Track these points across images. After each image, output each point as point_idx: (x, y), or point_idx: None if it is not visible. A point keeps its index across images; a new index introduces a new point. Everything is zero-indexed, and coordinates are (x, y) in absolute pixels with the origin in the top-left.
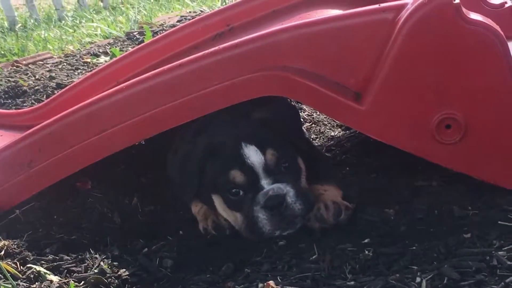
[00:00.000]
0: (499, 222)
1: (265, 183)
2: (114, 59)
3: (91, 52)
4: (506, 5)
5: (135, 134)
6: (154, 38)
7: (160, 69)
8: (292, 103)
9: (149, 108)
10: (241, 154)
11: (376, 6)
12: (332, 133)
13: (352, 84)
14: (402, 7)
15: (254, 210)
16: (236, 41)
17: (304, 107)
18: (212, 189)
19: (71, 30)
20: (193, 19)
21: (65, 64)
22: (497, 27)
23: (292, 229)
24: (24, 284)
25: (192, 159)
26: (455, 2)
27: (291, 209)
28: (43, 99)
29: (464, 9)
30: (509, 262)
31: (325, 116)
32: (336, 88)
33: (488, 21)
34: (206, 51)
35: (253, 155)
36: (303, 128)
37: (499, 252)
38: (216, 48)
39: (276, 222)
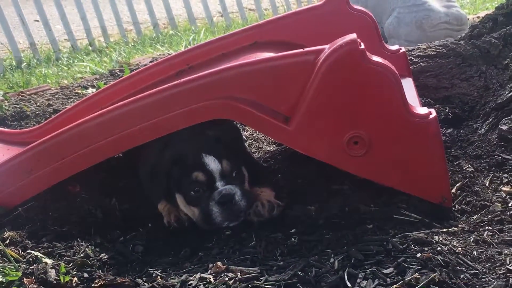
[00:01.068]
0: (394, 216)
1: (219, 184)
2: (99, 89)
3: (81, 85)
4: (401, 51)
5: (115, 148)
6: (130, 74)
7: (134, 98)
8: (237, 124)
9: (126, 127)
10: (202, 162)
11: (301, 50)
12: (268, 148)
13: (282, 110)
14: (320, 51)
15: (209, 205)
16: (193, 76)
17: (247, 128)
18: (176, 190)
19: (66, 68)
20: (161, 59)
21: (60, 94)
22: (393, 67)
23: (237, 221)
24: (25, 266)
25: (161, 167)
26: (361, 47)
27: (237, 205)
28: (42, 121)
29: (368, 53)
30: (401, 246)
31: (263, 135)
32: (270, 113)
33: (386, 63)
34: (170, 84)
35: (212, 163)
36: (245, 144)
37: (394, 239)
38: (178, 81)
39: (226, 215)
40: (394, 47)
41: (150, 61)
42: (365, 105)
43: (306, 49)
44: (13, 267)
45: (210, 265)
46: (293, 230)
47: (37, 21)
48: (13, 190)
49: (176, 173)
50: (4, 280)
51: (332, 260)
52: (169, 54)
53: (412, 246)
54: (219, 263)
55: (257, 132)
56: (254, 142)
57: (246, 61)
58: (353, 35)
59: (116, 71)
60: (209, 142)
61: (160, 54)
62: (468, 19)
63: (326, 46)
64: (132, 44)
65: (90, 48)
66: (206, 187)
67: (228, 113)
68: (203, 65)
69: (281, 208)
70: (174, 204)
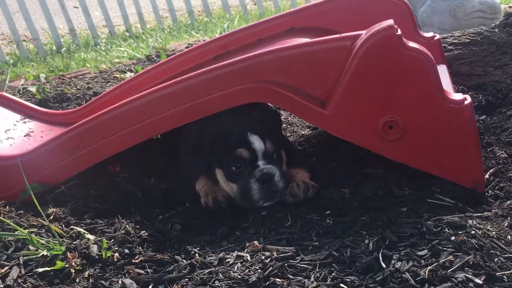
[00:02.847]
0: (428, 200)
1: (261, 163)
2: (137, 73)
3: (119, 70)
4: (435, 38)
5: (154, 130)
6: (168, 58)
7: (174, 80)
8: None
9: (165, 109)
10: (247, 139)
11: (338, 35)
12: (303, 132)
13: (319, 94)
14: (357, 36)
15: (250, 182)
16: (231, 60)
17: (282, 111)
18: (217, 165)
19: (104, 53)
20: (198, 44)
21: (99, 78)
22: (429, 53)
23: (273, 200)
24: (68, 241)
25: (203, 142)
26: (398, 33)
27: (276, 185)
28: (82, 103)
29: (404, 39)
30: (435, 229)
31: (298, 119)
32: (306, 97)
33: (422, 48)
34: (209, 67)
35: (257, 142)
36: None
37: (428, 222)
38: (217, 65)
39: (264, 193)
40: (429, 34)
41: (186, 47)
42: (401, 90)
43: (343, 35)
44: (57, 242)
45: (247, 244)
46: (327, 212)
47: (77, 7)
48: (56, 169)
49: (219, 148)
50: (49, 254)
51: (366, 241)
52: (204, 40)
53: (446, 229)
54: (255, 242)
55: (292, 116)
56: (289, 126)
57: (284, 46)
58: (390, 21)
59: (153, 56)
60: (253, 122)
61: (195, 40)
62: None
63: (363, 32)
64: (168, 30)
65: (127, 34)
66: (249, 164)
67: (265, 96)
68: (240, 50)
69: (316, 189)
70: (213, 180)
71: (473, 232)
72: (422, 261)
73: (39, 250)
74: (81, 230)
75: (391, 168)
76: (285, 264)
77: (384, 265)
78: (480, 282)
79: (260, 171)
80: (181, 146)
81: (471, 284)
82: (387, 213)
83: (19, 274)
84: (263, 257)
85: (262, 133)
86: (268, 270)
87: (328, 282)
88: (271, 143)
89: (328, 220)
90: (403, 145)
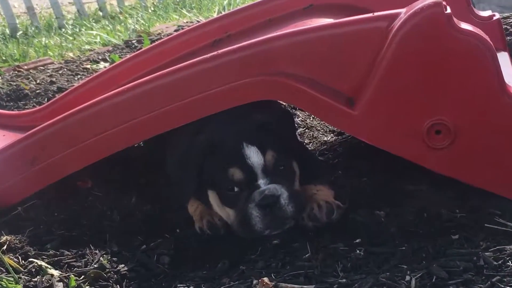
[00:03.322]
0: (485, 225)
1: (261, 182)
2: (114, 63)
3: (91, 59)
4: (494, 18)
5: (135, 135)
6: (154, 44)
7: (160, 72)
8: (287, 108)
9: (148, 110)
10: (242, 153)
11: (370, 14)
12: (325, 138)
13: (345, 90)
14: (395, 16)
15: (248, 207)
16: (234, 46)
17: (298, 112)
18: (209, 185)
19: (71, 38)
20: (191, 27)
21: (65, 69)
22: (487, 37)
23: (280, 229)
24: (26, 277)
25: (191, 156)
26: (447, 12)
27: (283, 210)
28: (44, 101)
29: (455, 19)
30: (495, 263)
31: (318, 122)
32: (330, 93)
33: (479, 31)
34: (206, 56)
35: (254, 155)
36: (297, 133)
37: (486, 253)
38: (215, 53)
39: (268, 221)
40: (486, 13)
41: (175, 30)
42: (451, 85)
43: (376, 14)
44: (12, 279)
45: (254, 282)
46: (357, 240)
47: None
48: (11, 185)
49: (209, 165)
50: None
51: (408, 278)
52: (198, 21)
53: (510, 263)
54: (265, 279)
55: (311, 118)
56: (307, 130)
57: (301, 29)
58: None
59: (133, 42)
60: (252, 128)
61: (187, 22)
62: None
63: (402, 10)
64: (152, 9)
65: (101, 13)
66: (245, 185)
67: (277, 92)
68: (246, 33)
69: (342, 211)
70: (206, 202)
71: None
72: None
73: None
74: (43, 263)
75: (439, 184)
76: None
77: None
78: None
79: (260, 193)
80: (168, 157)
81: None
82: (434, 242)
83: None
84: None
85: (262, 142)
86: None
87: None
88: (275, 154)
89: (358, 251)
90: (453, 155)
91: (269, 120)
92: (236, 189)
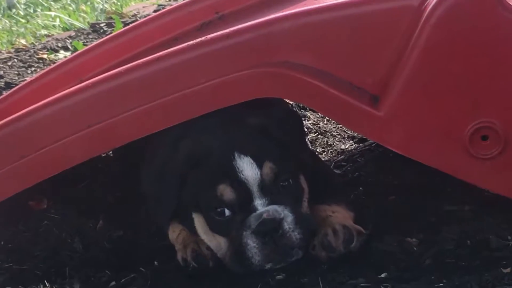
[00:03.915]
0: None
1: (259, 203)
2: (77, 52)
3: (48, 47)
4: None
5: (102, 143)
6: (126, 28)
7: (134, 63)
8: (294, 108)
9: (119, 111)
10: (232, 166)
11: None
12: (343, 146)
13: (368, 85)
14: None
15: (243, 236)
16: (227, 30)
17: (309, 114)
18: (193, 207)
19: (23, 21)
20: (173, 6)
21: (15, 60)
22: None
23: (285, 262)
24: None
25: (171, 169)
26: None
27: (287, 238)
28: None
29: None
30: None
31: (334, 126)
32: (348, 89)
33: None
34: (191, 42)
35: (248, 168)
36: (307, 139)
37: None
38: (203, 38)
39: (268, 252)
40: None
41: (155, 11)
42: (501, 78)
43: None
44: None
45: None
46: (383, 275)
47: None
48: None
49: (193, 181)
50: None
51: None
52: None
53: None
54: None
55: (326, 120)
56: (320, 136)
57: (311, 8)
58: None
59: (102, 25)
60: (246, 135)
61: (170, 0)
62: None
63: None
64: None
65: None
66: (238, 207)
67: (281, 88)
68: (241, 14)
69: (364, 238)
70: (191, 229)
71: None
72: None
73: None
74: None
75: (485, 204)
76: None
77: None
78: None
79: (257, 218)
80: (143, 171)
81: None
82: (480, 277)
83: None
84: None
85: (259, 151)
86: None
87: None
88: (275, 166)
89: None
90: (503, 167)
91: (269, 123)
92: (227, 212)
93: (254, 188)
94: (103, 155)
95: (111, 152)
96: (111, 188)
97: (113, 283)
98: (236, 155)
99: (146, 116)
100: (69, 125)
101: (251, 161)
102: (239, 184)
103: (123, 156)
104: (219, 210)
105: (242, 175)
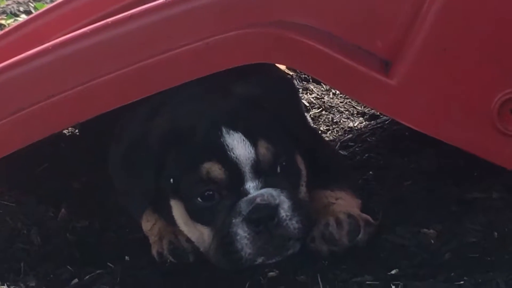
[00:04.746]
0: None
1: (251, 186)
2: (37, 12)
3: (8, 11)
4: None
5: (64, 116)
6: None
7: (103, 23)
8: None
9: (85, 78)
10: (220, 142)
11: None
12: (351, 124)
13: (378, 49)
14: None
15: (231, 224)
16: None
17: (311, 86)
18: (172, 193)
19: None
20: None
21: None
22: None
23: (280, 256)
24: None
25: (145, 148)
26: None
27: (284, 228)
28: None
29: None
30: None
31: (341, 101)
32: (355, 54)
33: None
34: None
35: (239, 146)
36: (307, 115)
37: None
38: None
39: (261, 243)
40: None
41: None
42: None
43: None
44: None
45: None
46: (394, 271)
47: None
48: None
49: (172, 162)
50: None
51: None
52: None
53: None
54: None
55: (332, 94)
56: (324, 112)
57: None
58: None
59: None
60: (235, 107)
61: None
62: None
63: None
64: None
65: None
66: (227, 190)
67: (276, 52)
68: None
69: (373, 229)
70: (168, 218)
71: None
72: None
73: None
74: None
75: None
76: None
77: None
78: None
79: (249, 202)
80: (112, 151)
81: None
82: (507, 274)
83: None
84: None
85: (252, 127)
86: None
87: None
88: (270, 144)
89: (394, 287)
90: None
91: (260, 93)
92: (215, 196)
93: (247, 169)
94: (67, 133)
95: (77, 130)
96: (75, 172)
97: (76, 280)
98: (224, 130)
99: (117, 85)
100: (26, 96)
101: (243, 137)
102: (229, 163)
103: (91, 134)
104: (205, 193)
105: (232, 154)
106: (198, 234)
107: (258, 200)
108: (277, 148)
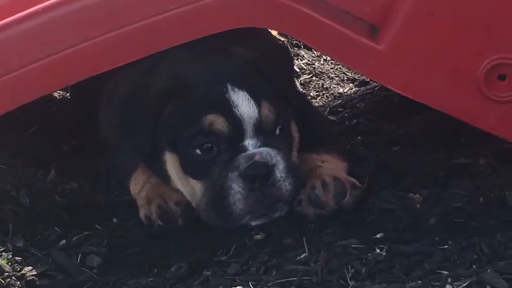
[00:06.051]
0: None
1: (250, 144)
2: None
3: None
4: None
5: (54, 78)
6: None
7: None
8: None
9: (76, 40)
10: (225, 98)
11: None
12: (340, 90)
13: (366, 14)
14: None
15: (227, 178)
16: None
17: (303, 53)
18: (167, 145)
19: None
20: None
21: None
22: None
23: (270, 216)
24: None
25: (143, 101)
26: None
27: (277, 188)
28: None
29: None
30: None
31: (332, 67)
32: (343, 18)
33: None
34: None
35: (244, 104)
36: (296, 80)
37: None
38: None
39: (254, 201)
40: None
41: None
42: None
43: None
44: None
45: None
46: (379, 235)
47: None
48: None
49: (171, 114)
50: None
51: None
52: None
53: None
54: None
55: (322, 60)
56: (314, 78)
57: None
58: None
59: None
60: (239, 67)
61: None
62: None
63: None
64: None
65: None
66: (226, 144)
67: (267, 16)
68: None
69: (359, 192)
70: (160, 174)
71: None
72: None
73: None
74: None
75: (502, 156)
76: None
77: None
78: None
79: (248, 158)
80: (103, 110)
81: None
82: (491, 238)
83: None
84: None
85: (255, 88)
86: None
87: None
88: (272, 107)
89: (378, 250)
90: None
91: (258, 57)
92: (213, 148)
93: (248, 127)
94: (58, 96)
95: (68, 93)
96: (65, 134)
97: (63, 241)
98: (229, 87)
99: (108, 48)
100: (15, 57)
101: (248, 96)
102: (233, 118)
103: (82, 97)
104: (204, 146)
105: (236, 110)
106: (190, 189)
107: (256, 157)
108: (276, 111)
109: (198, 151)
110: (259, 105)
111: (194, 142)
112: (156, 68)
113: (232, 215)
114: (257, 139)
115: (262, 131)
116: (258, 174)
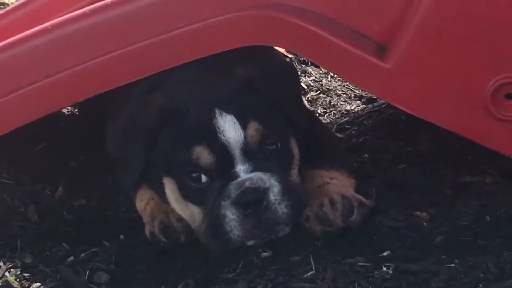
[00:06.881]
0: None
1: (241, 169)
2: None
3: None
4: None
5: (62, 95)
6: None
7: (101, 3)
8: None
9: (84, 58)
10: (212, 125)
11: None
12: (348, 107)
13: (374, 32)
14: None
15: (221, 206)
16: None
17: (310, 69)
18: (165, 170)
19: None
20: None
21: None
22: None
23: (268, 238)
24: None
25: (139, 124)
26: None
27: (272, 212)
28: None
29: None
30: None
31: (339, 84)
32: (351, 37)
33: None
34: None
35: (230, 128)
36: (305, 98)
37: None
38: None
39: (250, 226)
40: None
41: None
42: None
43: None
44: None
45: None
46: (385, 253)
47: None
48: None
49: (165, 140)
50: None
51: None
52: None
53: None
54: None
55: (330, 77)
56: (322, 95)
57: None
58: None
59: None
60: (229, 88)
61: None
62: None
63: None
64: None
65: None
66: (217, 173)
67: (273, 35)
68: None
69: (367, 211)
70: (162, 195)
71: None
72: None
73: None
74: None
75: (510, 174)
76: None
77: None
78: None
79: (238, 186)
80: (109, 127)
81: None
82: (498, 257)
83: None
84: None
85: (243, 109)
86: None
87: None
88: (261, 127)
89: (385, 268)
90: None
91: (257, 75)
92: (203, 178)
93: (237, 152)
94: (66, 113)
95: (75, 109)
96: (73, 151)
97: (71, 258)
98: (217, 112)
99: (115, 65)
100: (24, 75)
101: (234, 120)
102: (219, 147)
103: (90, 114)
104: (194, 175)
105: (222, 136)
106: (189, 213)
107: (247, 183)
108: (267, 129)
109: (190, 181)
110: (245, 127)
111: (184, 172)
112: (154, 92)
113: (231, 241)
114: (248, 164)
115: (252, 153)
116: (250, 200)
